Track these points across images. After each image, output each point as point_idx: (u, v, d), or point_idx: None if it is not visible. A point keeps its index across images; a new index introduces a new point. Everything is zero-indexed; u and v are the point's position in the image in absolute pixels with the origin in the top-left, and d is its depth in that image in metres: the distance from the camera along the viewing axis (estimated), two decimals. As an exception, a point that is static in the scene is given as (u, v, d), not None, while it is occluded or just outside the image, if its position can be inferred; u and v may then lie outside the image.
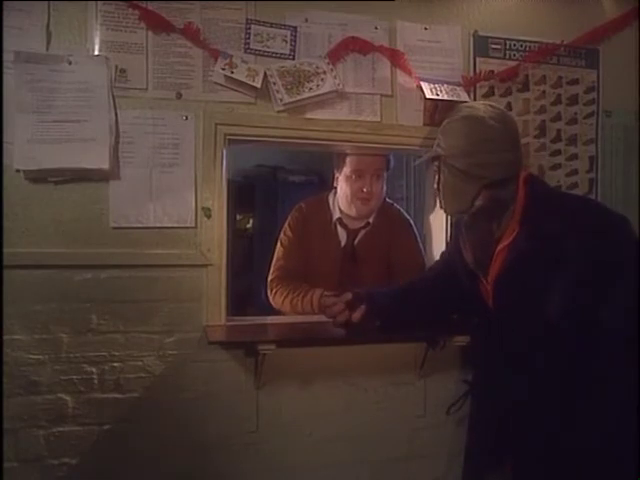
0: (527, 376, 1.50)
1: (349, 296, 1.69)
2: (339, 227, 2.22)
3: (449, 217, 1.96)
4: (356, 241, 2.21)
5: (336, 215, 2.22)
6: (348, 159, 2.14)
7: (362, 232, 2.21)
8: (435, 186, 1.62)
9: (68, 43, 1.67)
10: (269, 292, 2.19)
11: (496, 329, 1.57)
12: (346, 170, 2.15)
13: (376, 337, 1.83)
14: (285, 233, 2.24)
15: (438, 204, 1.64)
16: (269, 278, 2.21)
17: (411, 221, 2.31)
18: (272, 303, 2.19)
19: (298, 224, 2.23)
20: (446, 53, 1.97)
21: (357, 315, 1.66)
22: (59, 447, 1.67)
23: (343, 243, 2.21)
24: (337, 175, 2.21)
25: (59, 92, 1.64)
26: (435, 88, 1.90)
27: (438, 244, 2.05)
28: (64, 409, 1.68)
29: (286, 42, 1.82)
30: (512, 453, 1.57)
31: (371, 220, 2.21)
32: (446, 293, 1.75)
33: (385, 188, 2.23)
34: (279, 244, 2.25)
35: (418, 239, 2.24)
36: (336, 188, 2.23)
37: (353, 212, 2.17)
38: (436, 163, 1.58)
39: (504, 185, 1.50)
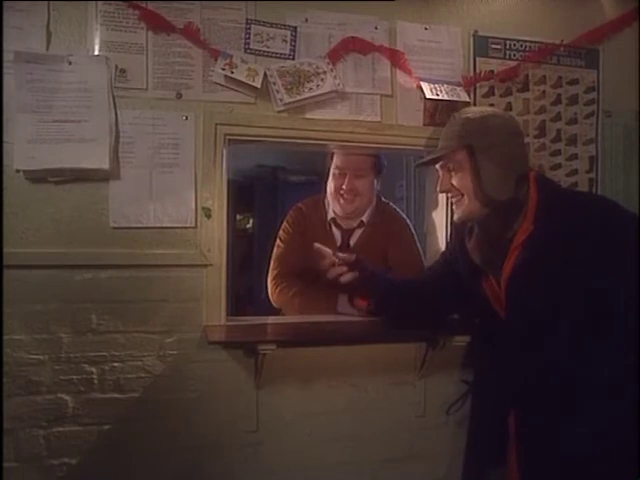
0: (539, 371, 1.50)
1: (352, 258, 1.75)
2: (333, 227, 2.22)
3: (449, 217, 1.96)
4: (352, 241, 2.20)
5: (330, 215, 2.23)
6: (335, 157, 2.17)
7: (357, 232, 2.21)
8: (445, 186, 1.58)
9: (68, 43, 1.67)
10: (272, 290, 2.19)
11: (507, 327, 1.57)
12: (332, 166, 2.18)
13: (376, 337, 1.84)
14: (284, 230, 2.25)
15: (468, 197, 1.56)
16: (269, 277, 2.21)
17: (407, 220, 2.31)
18: (275, 300, 2.19)
19: (295, 224, 2.24)
20: (446, 53, 1.97)
21: (347, 277, 1.72)
22: (59, 447, 1.67)
23: (338, 243, 2.21)
24: (330, 172, 2.22)
25: (59, 92, 1.64)
26: (435, 88, 1.90)
27: (438, 244, 2.05)
28: (64, 409, 1.68)
29: (286, 42, 1.82)
30: (521, 454, 1.56)
31: (365, 219, 2.21)
32: (445, 292, 1.75)
33: (377, 188, 2.23)
34: (277, 245, 2.24)
35: (415, 237, 2.24)
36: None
37: (338, 210, 2.18)
38: (458, 157, 1.55)
39: (519, 183, 1.53)
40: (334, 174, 2.16)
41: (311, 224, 2.23)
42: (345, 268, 1.74)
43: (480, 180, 1.52)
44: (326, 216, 2.24)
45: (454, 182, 1.57)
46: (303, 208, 2.28)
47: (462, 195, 1.56)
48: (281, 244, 2.24)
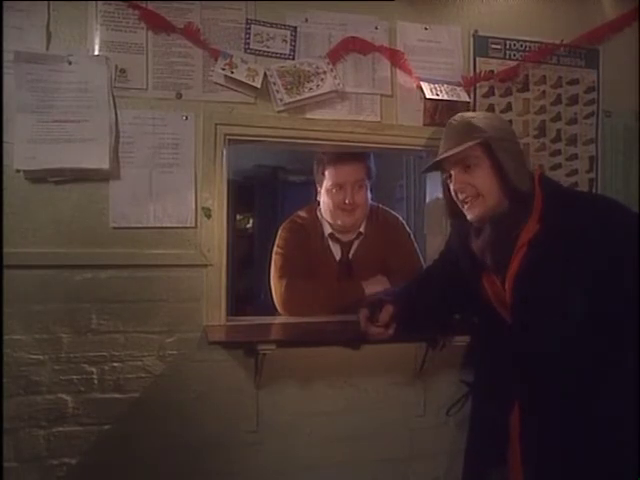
0: (545, 372, 1.50)
1: (390, 311, 1.66)
2: (331, 242, 2.17)
3: (449, 217, 1.95)
4: (351, 254, 2.16)
5: (327, 230, 2.17)
6: (327, 173, 2.10)
7: (355, 243, 2.17)
8: (461, 184, 1.52)
9: (68, 43, 1.67)
10: (280, 296, 2.08)
11: (512, 326, 1.57)
12: (327, 184, 2.11)
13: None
14: (283, 239, 2.17)
15: (486, 195, 1.51)
16: (276, 286, 2.10)
17: (400, 218, 2.29)
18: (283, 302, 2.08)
19: (294, 237, 2.16)
20: (446, 53, 1.97)
21: (390, 332, 1.65)
22: (59, 447, 1.67)
23: (338, 257, 2.17)
24: (319, 189, 2.17)
25: (59, 92, 1.65)
26: (435, 88, 1.90)
27: (438, 244, 2.05)
28: (64, 409, 1.68)
29: (286, 42, 1.82)
30: (524, 454, 1.55)
31: (363, 229, 2.17)
32: (445, 293, 1.75)
33: (370, 197, 2.17)
34: (275, 252, 2.16)
35: (411, 236, 2.23)
36: (319, 202, 2.19)
37: (339, 224, 2.12)
38: (475, 153, 1.52)
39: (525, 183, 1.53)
40: (330, 190, 2.09)
41: (309, 240, 2.16)
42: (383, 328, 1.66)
43: (503, 172, 1.50)
44: (323, 231, 2.18)
45: (471, 181, 1.52)
46: (300, 221, 2.21)
47: (478, 194, 1.52)
48: (281, 251, 2.15)
